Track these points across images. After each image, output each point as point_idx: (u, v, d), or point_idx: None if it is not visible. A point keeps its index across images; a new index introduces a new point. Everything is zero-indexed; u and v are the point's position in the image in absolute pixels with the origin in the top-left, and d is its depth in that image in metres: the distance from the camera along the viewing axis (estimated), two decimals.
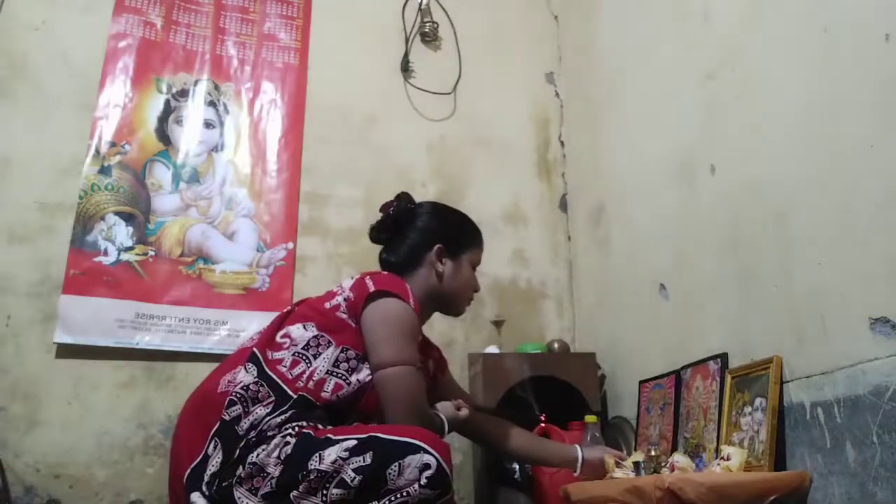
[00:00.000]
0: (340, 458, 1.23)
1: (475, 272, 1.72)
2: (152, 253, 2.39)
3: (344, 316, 1.46)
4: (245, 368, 1.39)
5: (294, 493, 1.23)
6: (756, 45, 1.86)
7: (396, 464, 1.22)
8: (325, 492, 1.22)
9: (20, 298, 2.25)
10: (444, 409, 1.55)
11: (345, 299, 1.48)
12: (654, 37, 2.37)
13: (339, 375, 1.41)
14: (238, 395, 1.34)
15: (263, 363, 1.40)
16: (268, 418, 1.32)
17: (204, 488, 1.28)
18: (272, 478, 1.25)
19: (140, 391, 2.27)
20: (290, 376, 1.38)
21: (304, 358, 1.41)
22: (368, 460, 1.22)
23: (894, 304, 1.39)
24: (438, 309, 1.69)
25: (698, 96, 2.09)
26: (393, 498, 1.21)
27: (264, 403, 1.34)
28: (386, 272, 1.60)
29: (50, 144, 2.40)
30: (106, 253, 2.34)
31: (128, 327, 2.30)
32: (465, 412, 1.58)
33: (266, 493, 1.24)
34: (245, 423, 1.32)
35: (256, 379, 1.37)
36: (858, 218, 1.49)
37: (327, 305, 1.48)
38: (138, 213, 2.42)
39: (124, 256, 2.36)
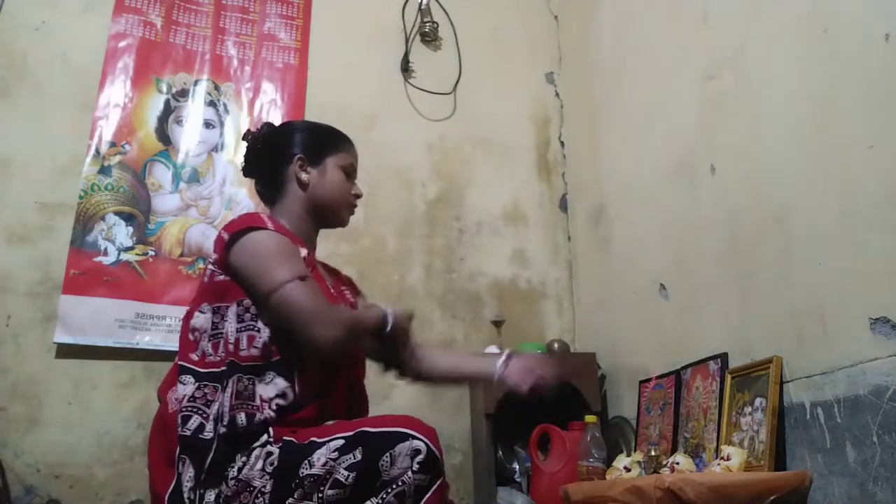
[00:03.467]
0: (331, 459, 1.22)
1: (353, 179, 1.62)
2: (152, 253, 2.39)
3: (222, 277, 1.40)
4: (182, 382, 1.36)
5: (290, 500, 1.22)
6: (756, 45, 1.86)
7: (388, 454, 1.21)
8: (320, 494, 1.21)
9: (20, 298, 2.25)
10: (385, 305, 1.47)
11: (213, 262, 1.43)
12: (654, 37, 2.37)
13: (248, 328, 1.37)
14: (190, 408, 1.32)
15: (193, 366, 1.37)
16: (221, 402, 1.31)
17: None
18: (263, 493, 1.23)
19: (140, 391, 2.27)
20: (217, 359, 1.36)
21: (219, 336, 1.38)
22: (359, 456, 1.22)
23: (894, 304, 1.39)
24: (321, 224, 1.60)
25: (698, 96, 2.09)
26: (390, 489, 1.20)
27: (215, 399, 1.32)
28: (240, 215, 1.55)
29: (50, 144, 2.39)
30: (106, 253, 2.34)
31: (128, 327, 2.30)
32: (410, 310, 1.50)
33: None
34: (209, 425, 1.30)
35: (196, 384, 1.35)
36: (858, 218, 1.49)
37: (205, 279, 1.44)
38: (138, 213, 2.42)
39: (124, 256, 2.36)
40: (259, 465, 1.26)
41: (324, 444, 1.24)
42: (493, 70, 3.02)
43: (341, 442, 1.24)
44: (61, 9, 2.53)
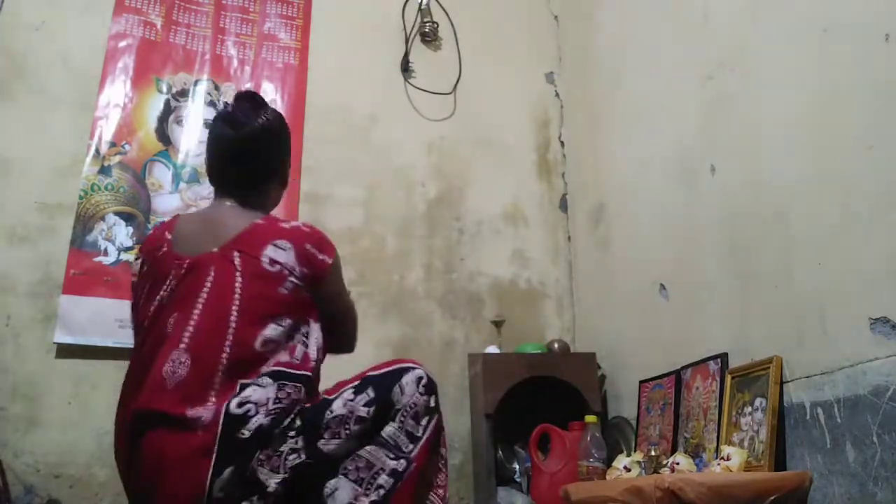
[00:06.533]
0: (349, 401, 1.33)
1: None
2: None
3: (307, 294, 1.42)
4: (257, 385, 1.30)
5: (321, 441, 1.30)
6: (756, 45, 1.86)
7: (397, 386, 1.36)
8: (346, 430, 1.31)
9: (20, 298, 2.25)
10: None
11: (300, 276, 1.40)
12: (654, 37, 2.37)
13: (319, 339, 1.45)
14: (276, 411, 1.30)
15: (277, 368, 1.33)
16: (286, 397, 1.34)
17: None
18: (295, 450, 1.29)
19: None
20: (297, 361, 1.36)
21: (299, 346, 1.38)
22: (373, 394, 1.35)
23: (894, 304, 1.39)
24: None
25: (698, 96, 2.09)
26: (405, 413, 1.35)
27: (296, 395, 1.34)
28: (318, 231, 1.50)
29: (50, 144, 2.39)
30: (106, 253, 2.34)
31: (128, 327, 2.28)
32: None
33: (294, 466, 1.29)
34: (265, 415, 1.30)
35: (274, 385, 1.31)
36: (858, 218, 1.49)
37: (285, 291, 1.39)
38: (138, 213, 2.42)
39: (124, 256, 2.36)
40: (289, 443, 1.30)
41: (337, 396, 1.36)
42: (493, 70, 3.02)
43: (352, 389, 1.36)
44: (61, 9, 2.53)
